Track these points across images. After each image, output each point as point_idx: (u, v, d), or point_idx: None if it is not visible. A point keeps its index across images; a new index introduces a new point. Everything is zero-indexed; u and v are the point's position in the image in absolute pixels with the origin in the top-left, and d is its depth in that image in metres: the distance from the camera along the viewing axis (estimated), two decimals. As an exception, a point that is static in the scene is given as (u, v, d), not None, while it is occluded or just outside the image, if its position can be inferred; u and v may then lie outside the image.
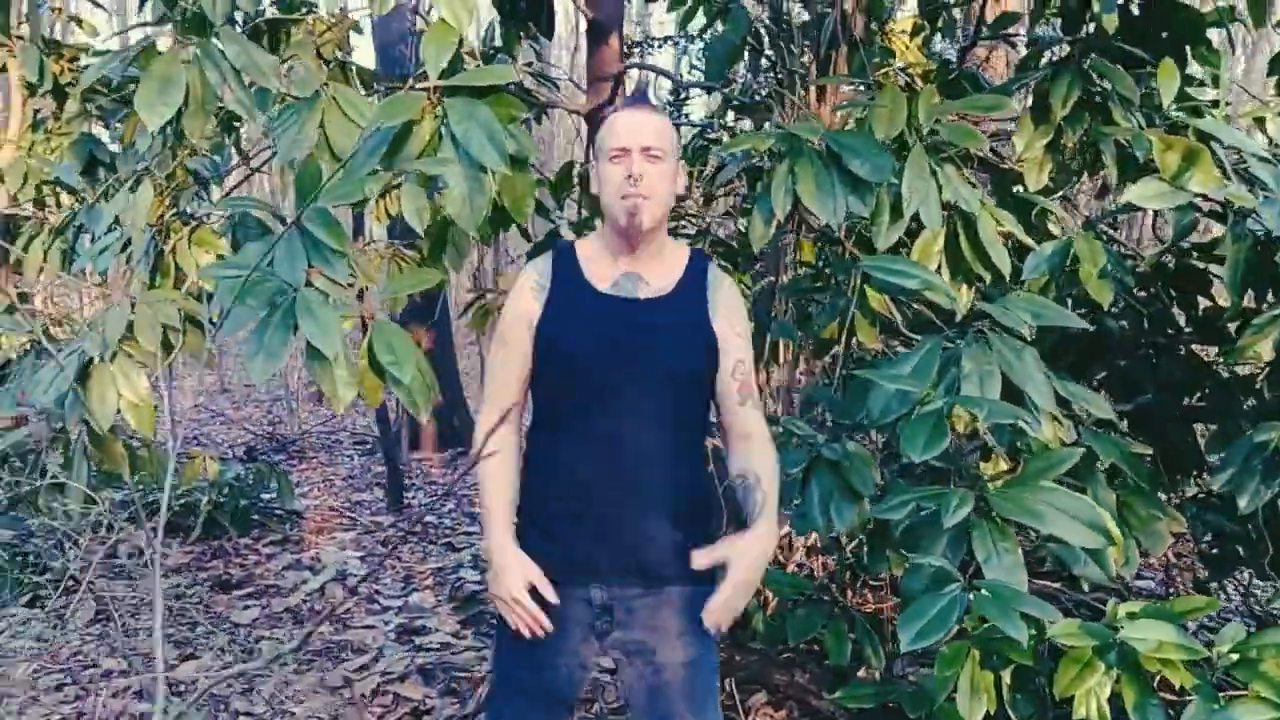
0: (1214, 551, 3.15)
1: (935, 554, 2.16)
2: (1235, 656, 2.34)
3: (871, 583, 3.59)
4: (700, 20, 4.07)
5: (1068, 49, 3.03)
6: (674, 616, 1.91)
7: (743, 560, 1.83)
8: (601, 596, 1.90)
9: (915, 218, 2.45)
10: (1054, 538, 2.15)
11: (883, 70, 3.53)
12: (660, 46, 6.03)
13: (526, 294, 1.98)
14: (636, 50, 5.32)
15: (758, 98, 3.57)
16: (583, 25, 3.93)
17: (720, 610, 1.84)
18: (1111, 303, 2.60)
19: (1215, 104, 3.10)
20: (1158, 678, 2.31)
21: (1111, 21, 2.80)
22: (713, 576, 1.88)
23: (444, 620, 3.91)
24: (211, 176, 3.03)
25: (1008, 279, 2.54)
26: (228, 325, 2.04)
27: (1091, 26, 3.09)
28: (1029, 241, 2.64)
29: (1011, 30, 3.88)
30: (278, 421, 8.91)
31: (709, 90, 3.38)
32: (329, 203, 2.05)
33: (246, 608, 4.00)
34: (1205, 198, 2.54)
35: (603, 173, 1.90)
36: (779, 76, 3.45)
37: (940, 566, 2.12)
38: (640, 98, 1.98)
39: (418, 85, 2.19)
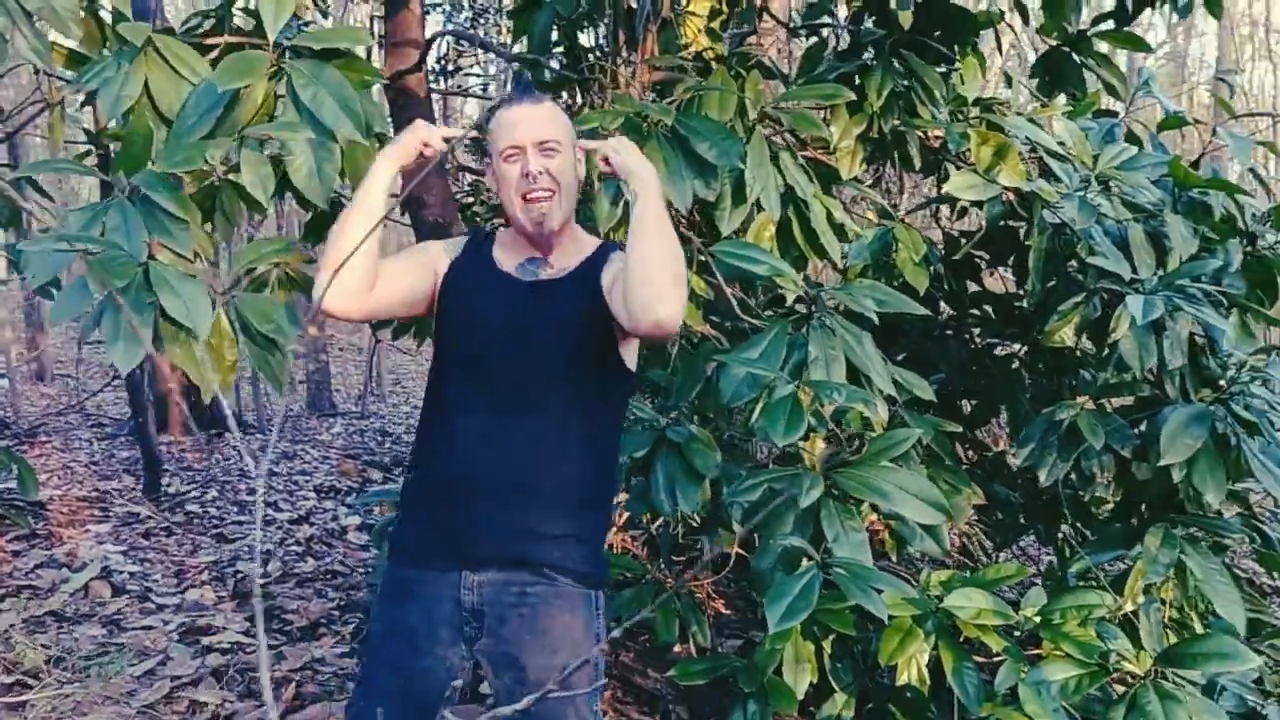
0: (999, 519, 3.40)
1: (784, 533, 2.22)
2: (1039, 619, 2.54)
3: (679, 557, 3.66)
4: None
5: (861, 40, 3.18)
6: (549, 624, 1.78)
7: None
8: (472, 600, 1.77)
9: (755, 203, 2.49)
10: (896, 515, 2.25)
11: (683, 51, 3.57)
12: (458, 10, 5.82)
13: (437, 248, 1.95)
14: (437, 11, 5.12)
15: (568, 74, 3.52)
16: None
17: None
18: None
19: (999, 101, 3.32)
20: (964, 639, 2.48)
21: (907, 18, 2.94)
22: (596, 581, 1.84)
23: (230, 618, 3.66)
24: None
25: (837, 265, 2.64)
26: (59, 308, 1.81)
27: (871, 21, 3.26)
28: (855, 228, 2.75)
29: (782, 20, 4.04)
30: (-2, 403, 8.07)
31: (532, 63, 3.29)
32: (168, 168, 1.85)
33: (1, 612, 3.60)
34: (1011, 190, 2.72)
35: (499, 173, 1.82)
36: (591, 52, 3.42)
37: (789, 546, 2.18)
38: (524, 90, 1.91)
39: (256, 44, 2.01)
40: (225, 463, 6.44)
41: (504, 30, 5.72)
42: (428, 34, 3.27)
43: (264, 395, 8.20)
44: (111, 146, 3.00)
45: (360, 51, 2.24)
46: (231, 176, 2.01)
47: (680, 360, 2.62)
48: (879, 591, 2.08)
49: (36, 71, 2.32)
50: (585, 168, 1.93)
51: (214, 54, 2.33)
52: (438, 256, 1.91)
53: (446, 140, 1.83)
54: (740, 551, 3.21)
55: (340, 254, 1.73)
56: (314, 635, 3.53)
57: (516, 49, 4.34)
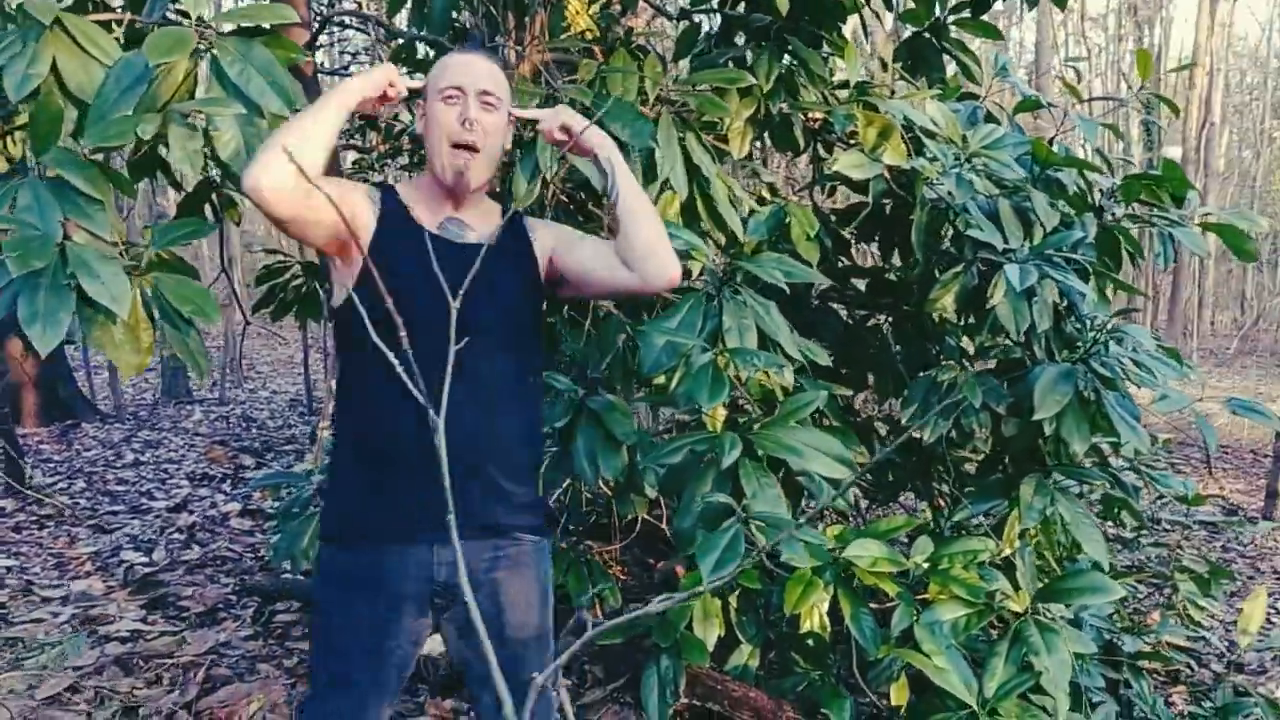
0: (877, 479, 3.62)
1: (705, 493, 2.35)
2: (929, 565, 2.75)
3: (573, 527, 3.77)
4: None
5: (722, 23, 3.32)
6: (521, 583, 1.83)
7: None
8: (445, 573, 1.77)
9: (664, 182, 2.60)
10: (806, 471, 2.41)
11: (566, 35, 3.65)
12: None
13: (363, 198, 1.81)
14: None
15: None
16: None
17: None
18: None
19: (872, 84, 3.52)
20: (859, 587, 2.66)
21: (784, 3, 3.09)
22: (547, 531, 1.89)
23: (124, 607, 3.59)
24: None
25: (740, 239, 2.77)
26: (-27, 285, 1.77)
27: (744, 6, 3.41)
28: (753, 205, 2.89)
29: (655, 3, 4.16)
30: None
31: (431, 43, 3.31)
32: (95, 144, 1.84)
33: None
34: (894, 168, 2.91)
35: (432, 113, 1.79)
36: (481, 34, 3.47)
37: (711, 503, 2.31)
38: (474, 43, 1.90)
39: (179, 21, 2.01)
40: (86, 453, 6.20)
41: (376, 6, 5.67)
42: (316, 17, 3.26)
43: (120, 383, 7.89)
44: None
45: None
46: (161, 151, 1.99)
47: (594, 331, 2.72)
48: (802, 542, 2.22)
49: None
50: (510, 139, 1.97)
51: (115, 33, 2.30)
52: (364, 202, 1.81)
53: (410, 91, 1.85)
54: (646, 518, 3.35)
55: (298, 138, 1.66)
56: (214, 620, 3.50)
57: (394, 23, 4.34)
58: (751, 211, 2.95)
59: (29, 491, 5.00)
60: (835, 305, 3.74)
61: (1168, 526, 4.78)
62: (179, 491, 5.35)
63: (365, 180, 2.50)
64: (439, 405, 1.80)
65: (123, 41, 2.21)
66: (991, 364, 3.18)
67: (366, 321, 1.20)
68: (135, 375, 1.98)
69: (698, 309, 2.41)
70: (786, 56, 3.14)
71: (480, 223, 1.88)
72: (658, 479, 2.62)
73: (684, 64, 3.59)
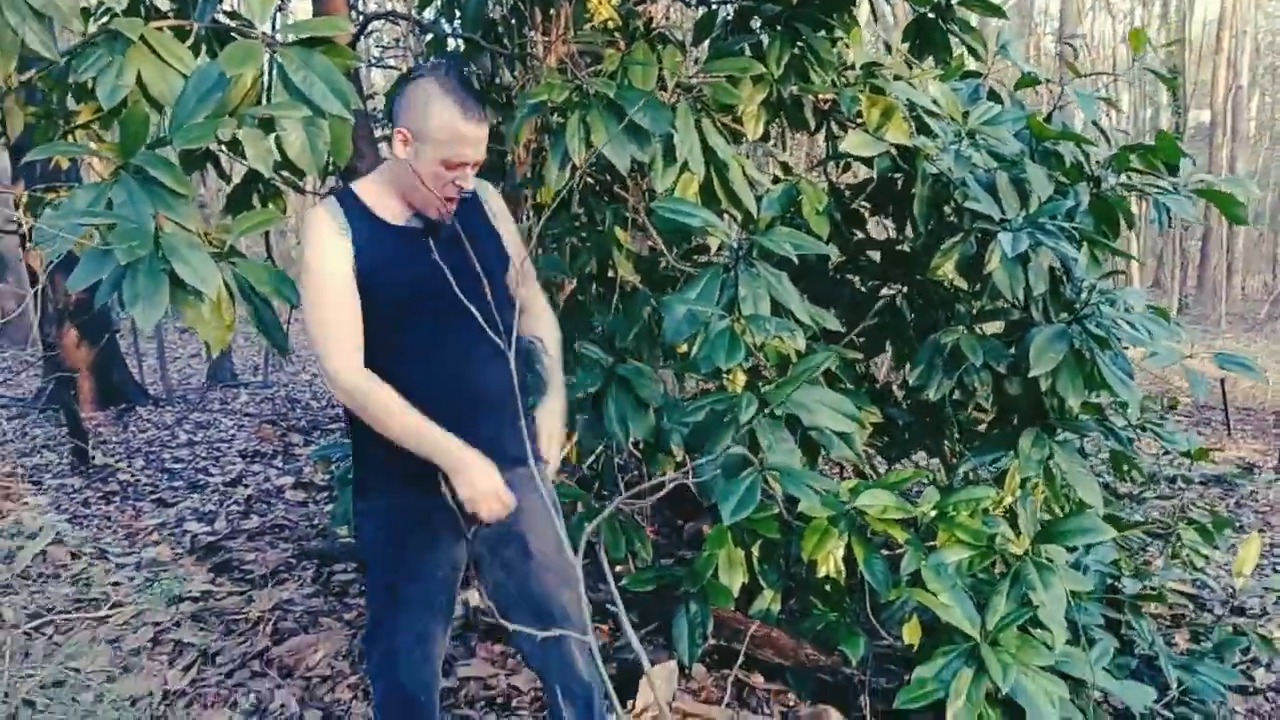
0: (890, 438, 3.85)
1: (724, 448, 2.59)
2: (935, 513, 2.98)
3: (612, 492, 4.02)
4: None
5: (737, 9, 3.52)
6: (537, 500, 2.11)
7: (554, 420, 2.20)
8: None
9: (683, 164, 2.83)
10: (817, 426, 2.64)
11: (589, 24, 3.87)
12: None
13: (334, 236, 2.02)
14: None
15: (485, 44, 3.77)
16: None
17: (551, 452, 2.18)
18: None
19: (879, 65, 3.71)
20: (877, 536, 2.90)
21: (794, -9, 3.30)
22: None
23: (192, 571, 3.88)
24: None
25: (755, 216, 3.00)
26: (80, 274, 2.03)
27: None
28: (766, 183, 3.11)
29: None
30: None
31: (466, 39, 3.55)
32: (181, 146, 2.09)
33: (-38, 579, 3.75)
34: (898, 146, 3.12)
35: (430, 164, 1.99)
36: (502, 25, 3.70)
37: (731, 455, 2.55)
38: (473, 101, 2.02)
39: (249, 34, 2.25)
40: (142, 434, 6.53)
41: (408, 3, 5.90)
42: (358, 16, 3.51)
43: (167, 368, 8.23)
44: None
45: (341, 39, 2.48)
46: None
47: (622, 304, 2.96)
48: (812, 489, 2.46)
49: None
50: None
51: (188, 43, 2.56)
52: (343, 247, 2.02)
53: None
54: (674, 477, 3.59)
55: (384, 420, 2.00)
56: (278, 581, 3.78)
57: (426, 15, 4.57)
58: (767, 189, 3.17)
59: (107, 465, 5.32)
60: (851, 276, 3.96)
61: (1179, 483, 4.98)
62: (233, 467, 5.66)
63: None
64: (459, 361, 2.08)
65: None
66: (1000, 327, 3.39)
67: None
68: (220, 348, 2.24)
69: (715, 281, 2.64)
70: (797, 42, 3.35)
71: None
72: (683, 438, 2.86)
73: (704, 49, 3.80)
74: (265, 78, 2.37)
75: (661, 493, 3.68)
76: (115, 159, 2.21)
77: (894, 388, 4.11)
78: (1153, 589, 3.43)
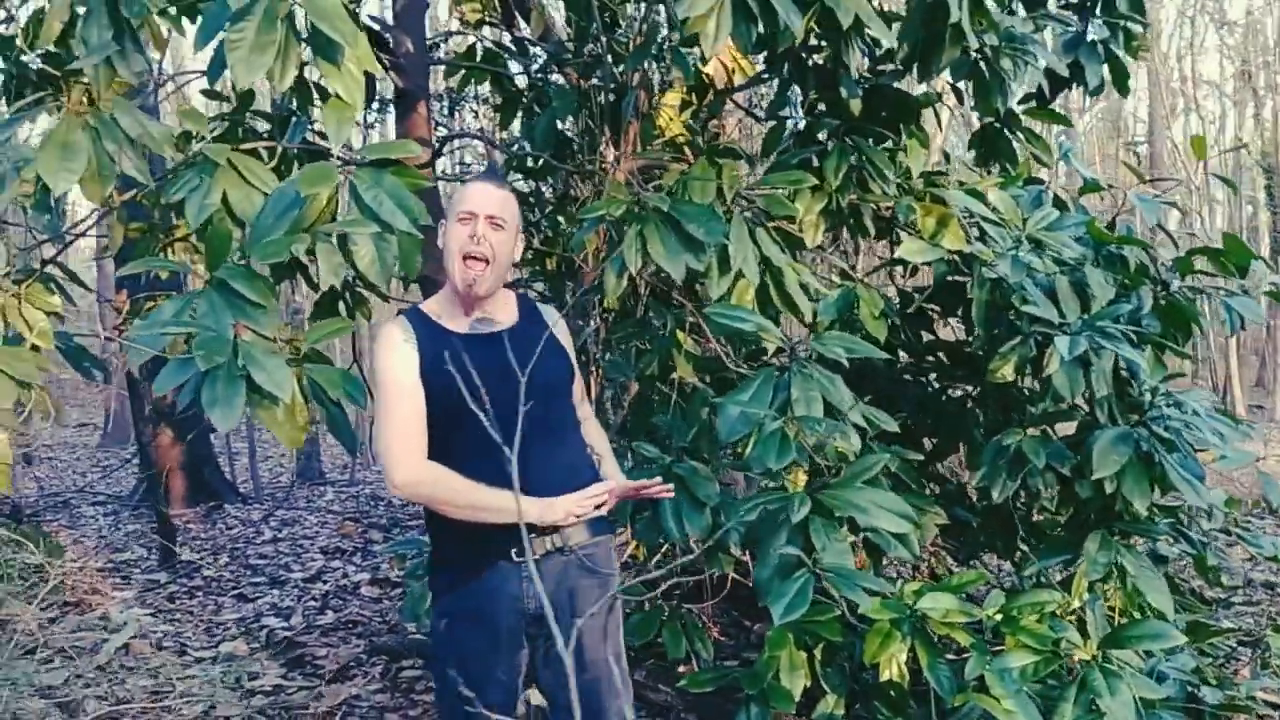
0: (959, 541, 3.81)
1: (777, 548, 2.61)
2: (1000, 617, 2.94)
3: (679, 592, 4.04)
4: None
5: (814, 125, 3.63)
6: (585, 573, 2.20)
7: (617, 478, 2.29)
8: (532, 604, 2.14)
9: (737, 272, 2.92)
10: (873, 527, 2.65)
11: (656, 140, 4.03)
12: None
13: (401, 345, 2.17)
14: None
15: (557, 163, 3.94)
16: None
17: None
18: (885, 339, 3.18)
19: (941, 173, 3.78)
20: (941, 641, 2.86)
21: (856, 104, 3.42)
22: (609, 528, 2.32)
23: (266, 666, 3.98)
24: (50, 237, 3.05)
25: (806, 321, 3.06)
26: (164, 379, 2.17)
27: (823, 106, 3.72)
28: (821, 289, 3.18)
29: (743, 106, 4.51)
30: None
31: (536, 158, 3.73)
32: (260, 260, 2.24)
33: (50, 669, 3.89)
34: (954, 253, 3.17)
35: (450, 232, 2.18)
36: (581, 144, 3.87)
37: (784, 556, 2.57)
38: (491, 173, 2.29)
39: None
40: (229, 531, 6.73)
41: (482, 116, 6.17)
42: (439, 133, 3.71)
43: (258, 467, 8.49)
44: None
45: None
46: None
47: (679, 406, 3.03)
48: (865, 590, 2.46)
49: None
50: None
51: (270, 163, 2.75)
52: (411, 355, 2.16)
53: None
54: (736, 577, 3.60)
55: (449, 498, 2.11)
56: (346, 677, 3.86)
57: (499, 137, 4.80)
58: (825, 295, 3.24)
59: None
60: (919, 377, 3.98)
61: (1263, 589, 4.80)
62: (314, 564, 5.80)
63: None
64: (525, 457, 2.16)
65: (269, 164, 2.65)
66: (1072, 429, 3.37)
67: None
68: (295, 448, 2.36)
69: (769, 383, 2.70)
70: (857, 154, 3.44)
71: (502, 314, 2.28)
72: (741, 537, 2.89)
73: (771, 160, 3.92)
74: (340, 196, 2.54)
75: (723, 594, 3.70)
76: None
77: (967, 489, 4.08)
78: (1237, 699, 3.31)
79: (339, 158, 2.45)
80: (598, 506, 2.15)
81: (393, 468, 2.11)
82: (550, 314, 2.38)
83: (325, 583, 5.35)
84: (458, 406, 2.15)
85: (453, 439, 2.16)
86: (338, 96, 2.46)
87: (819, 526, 2.59)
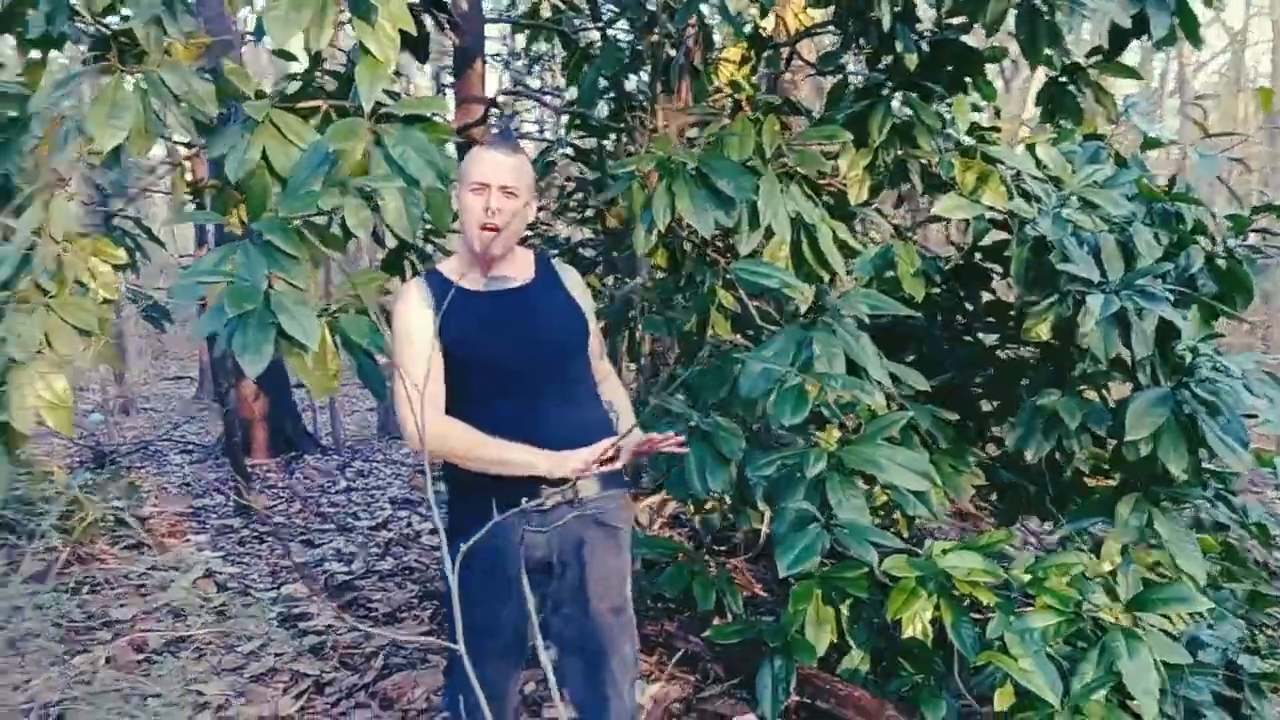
0: (1001, 502, 3.78)
1: (795, 503, 2.64)
2: (1028, 577, 2.92)
3: (720, 547, 4.09)
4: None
5: (870, 80, 3.60)
6: (594, 525, 2.25)
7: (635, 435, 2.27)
8: (544, 545, 2.22)
9: (768, 228, 2.93)
10: (891, 484, 2.67)
11: (715, 95, 4.03)
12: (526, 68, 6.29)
13: (418, 300, 2.25)
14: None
15: (609, 122, 3.97)
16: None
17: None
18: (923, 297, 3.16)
19: (995, 129, 3.72)
20: (968, 600, 2.86)
21: (913, 60, 3.38)
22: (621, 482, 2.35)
23: (322, 609, 4.15)
24: (114, 189, 3.20)
25: (841, 278, 3.06)
26: (201, 325, 2.28)
27: (888, 59, 3.68)
28: (857, 246, 3.17)
29: (809, 61, 4.46)
30: (86, 435, 8.69)
31: (579, 115, 3.77)
32: (288, 214, 2.33)
33: (123, 605, 4.11)
34: (994, 209, 3.13)
35: (463, 200, 2.22)
36: (634, 103, 3.90)
37: (802, 510, 2.60)
38: (504, 137, 2.31)
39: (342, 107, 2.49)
40: (305, 481, 6.97)
41: (556, 75, 6.22)
42: (490, 90, 3.78)
43: (340, 420, 8.75)
44: (208, 197, 3.53)
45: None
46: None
47: (710, 363, 3.06)
48: (875, 545, 2.48)
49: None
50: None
51: (313, 120, 2.84)
52: (427, 311, 2.22)
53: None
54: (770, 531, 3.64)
55: (467, 451, 2.17)
56: (396, 620, 4.00)
57: (570, 96, 4.84)
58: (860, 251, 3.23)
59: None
60: (970, 337, 3.93)
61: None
62: (381, 513, 6.00)
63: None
64: (536, 410, 2.23)
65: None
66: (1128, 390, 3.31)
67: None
68: (326, 395, 2.46)
69: (792, 340, 2.71)
70: (905, 109, 3.41)
71: (518, 270, 2.33)
72: (764, 493, 2.92)
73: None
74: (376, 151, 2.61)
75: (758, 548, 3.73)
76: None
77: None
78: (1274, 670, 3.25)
79: (375, 113, 2.51)
80: (608, 461, 2.20)
81: (410, 423, 2.19)
82: (568, 273, 2.42)
83: (389, 531, 5.53)
84: (470, 361, 2.24)
85: (465, 393, 2.23)
86: (370, 54, 2.54)
87: (836, 482, 2.61)
